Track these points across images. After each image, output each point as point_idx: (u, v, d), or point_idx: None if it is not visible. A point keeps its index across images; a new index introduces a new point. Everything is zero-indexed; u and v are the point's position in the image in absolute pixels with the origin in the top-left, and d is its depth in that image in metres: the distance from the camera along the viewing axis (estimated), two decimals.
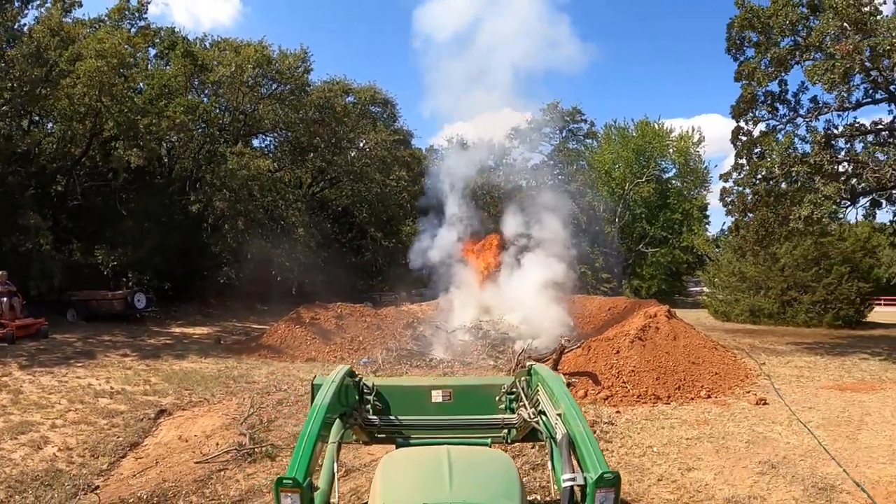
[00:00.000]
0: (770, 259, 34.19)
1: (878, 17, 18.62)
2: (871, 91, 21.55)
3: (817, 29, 19.30)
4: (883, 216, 24.94)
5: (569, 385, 13.89)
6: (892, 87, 20.97)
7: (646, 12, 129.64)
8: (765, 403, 13.31)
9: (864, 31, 18.14)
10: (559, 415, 3.78)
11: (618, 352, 15.10)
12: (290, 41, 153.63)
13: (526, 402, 4.75)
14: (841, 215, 22.33)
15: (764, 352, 21.67)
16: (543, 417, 4.20)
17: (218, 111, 32.56)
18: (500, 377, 5.99)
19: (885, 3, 19.47)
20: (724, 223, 28.01)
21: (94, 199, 28.44)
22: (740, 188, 22.49)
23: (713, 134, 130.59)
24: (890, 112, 23.45)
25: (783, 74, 21.82)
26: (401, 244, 43.49)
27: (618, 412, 12.64)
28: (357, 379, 5.04)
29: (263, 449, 9.38)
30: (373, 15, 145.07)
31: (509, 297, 22.40)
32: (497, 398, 5.38)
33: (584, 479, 3.16)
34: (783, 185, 21.40)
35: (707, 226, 59.09)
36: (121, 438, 9.94)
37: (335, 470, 3.79)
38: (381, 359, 17.54)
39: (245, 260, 31.81)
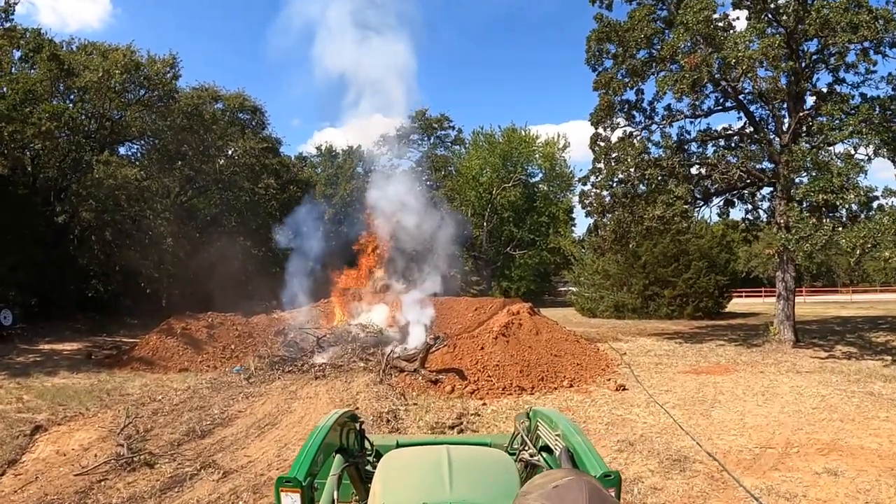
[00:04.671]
0: (632, 257, 35.88)
1: (730, 32, 19.99)
2: (721, 100, 23.27)
3: (669, 43, 20.60)
4: (737, 214, 26.99)
5: (436, 382, 14.67)
6: (740, 97, 22.64)
7: (518, 21, 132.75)
8: (624, 389, 14.28)
9: (713, 44, 19.50)
10: (557, 435, 3.77)
11: (482, 348, 15.82)
12: (163, 42, 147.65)
13: (528, 442, 4.60)
14: (693, 214, 23.91)
15: (626, 343, 22.94)
16: (544, 454, 4.11)
17: (84, 117, 30.95)
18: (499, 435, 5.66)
19: (738, 18, 21.06)
20: (589, 224, 29.44)
21: None
22: (598, 191, 23.64)
23: (583, 138, 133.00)
24: (739, 118, 25.38)
25: (640, 84, 23.12)
26: (270, 252, 42.92)
27: (484, 404, 13.31)
28: (359, 424, 4.77)
29: (141, 457, 9.39)
30: (250, 16, 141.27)
31: (380, 303, 22.71)
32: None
33: None
34: (641, 188, 22.67)
35: (573, 228, 61.29)
36: None
37: (335, 497, 3.58)
38: (254, 366, 17.28)
39: (113, 272, 30.68)
